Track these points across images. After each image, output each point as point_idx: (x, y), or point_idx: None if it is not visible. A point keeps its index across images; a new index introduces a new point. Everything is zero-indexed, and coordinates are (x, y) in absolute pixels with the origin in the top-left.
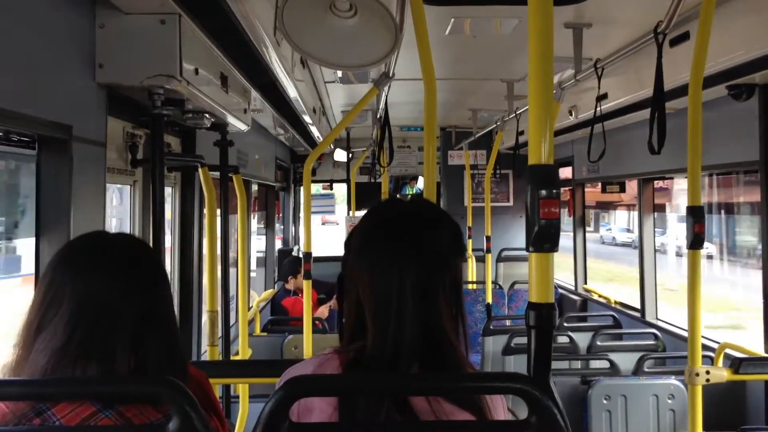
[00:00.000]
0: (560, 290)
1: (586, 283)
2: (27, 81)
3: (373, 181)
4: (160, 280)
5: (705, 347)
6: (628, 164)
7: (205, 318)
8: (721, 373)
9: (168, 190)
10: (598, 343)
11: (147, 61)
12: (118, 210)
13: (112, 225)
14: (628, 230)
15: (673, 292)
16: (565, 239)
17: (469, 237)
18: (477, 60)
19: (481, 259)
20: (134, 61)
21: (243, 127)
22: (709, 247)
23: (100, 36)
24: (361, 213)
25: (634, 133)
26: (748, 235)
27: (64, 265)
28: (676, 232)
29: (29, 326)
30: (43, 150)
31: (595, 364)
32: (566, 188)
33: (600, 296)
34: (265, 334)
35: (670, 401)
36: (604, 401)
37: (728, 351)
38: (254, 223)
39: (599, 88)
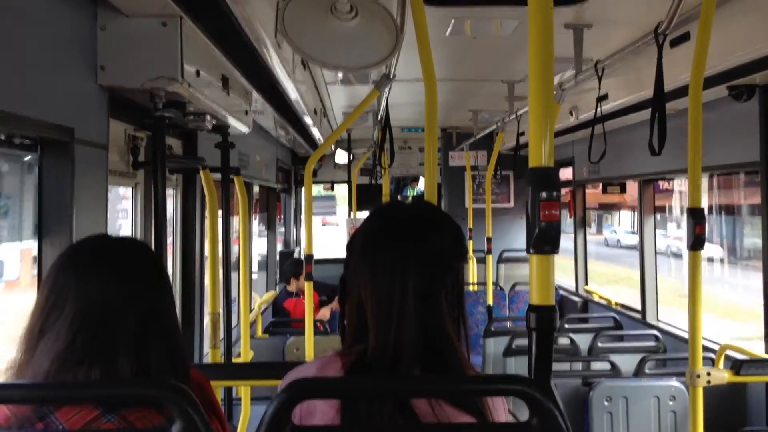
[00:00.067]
0: (561, 291)
1: (587, 284)
2: (29, 84)
3: (374, 182)
4: (162, 283)
5: (706, 349)
6: (629, 165)
7: (207, 320)
8: (722, 375)
9: (169, 192)
10: (599, 344)
11: (148, 64)
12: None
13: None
14: (634, 232)
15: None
16: (567, 241)
17: (470, 238)
18: (477, 61)
19: (481, 261)
20: (136, 64)
21: (244, 128)
22: (735, 252)
23: (102, 38)
24: (362, 214)
25: (634, 134)
26: None
27: (67, 269)
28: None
29: (32, 330)
30: (45, 152)
31: (596, 365)
32: (567, 189)
33: (601, 297)
34: (266, 336)
35: (671, 403)
36: (605, 403)
37: (729, 353)
38: (255, 225)
39: (600, 88)
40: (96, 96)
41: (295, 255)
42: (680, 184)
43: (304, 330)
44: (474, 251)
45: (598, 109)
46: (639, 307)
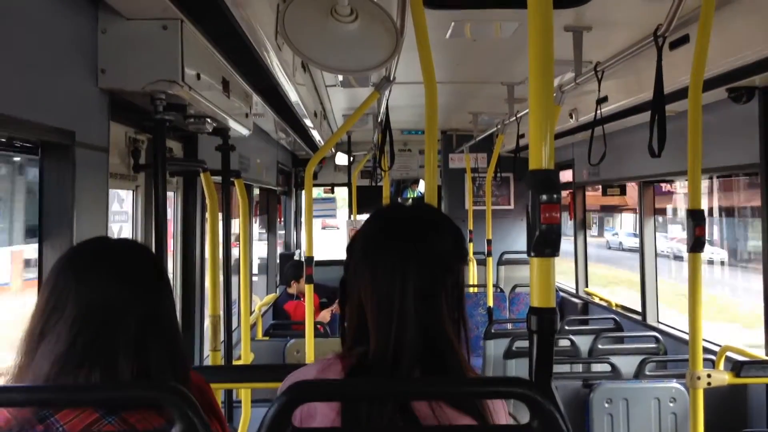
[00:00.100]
0: (561, 293)
1: (587, 286)
2: (30, 87)
3: (374, 184)
4: (162, 285)
5: (706, 350)
6: (629, 167)
7: (207, 322)
8: (723, 377)
9: (170, 195)
10: (600, 346)
11: (149, 67)
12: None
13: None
14: (636, 235)
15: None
16: (567, 244)
17: (470, 240)
18: (477, 63)
19: (482, 263)
20: (136, 67)
21: (244, 131)
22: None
23: (103, 41)
24: (363, 217)
25: (634, 136)
26: None
27: (67, 271)
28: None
29: (32, 332)
30: (46, 155)
31: (597, 367)
32: (567, 191)
33: (601, 299)
34: (267, 338)
35: (671, 404)
36: (606, 405)
37: (729, 354)
38: (256, 228)
39: (599, 91)
40: (97, 99)
41: (296, 257)
42: (683, 186)
43: (305, 332)
44: (474, 253)
45: (598, 112)
46: (639, 308)
